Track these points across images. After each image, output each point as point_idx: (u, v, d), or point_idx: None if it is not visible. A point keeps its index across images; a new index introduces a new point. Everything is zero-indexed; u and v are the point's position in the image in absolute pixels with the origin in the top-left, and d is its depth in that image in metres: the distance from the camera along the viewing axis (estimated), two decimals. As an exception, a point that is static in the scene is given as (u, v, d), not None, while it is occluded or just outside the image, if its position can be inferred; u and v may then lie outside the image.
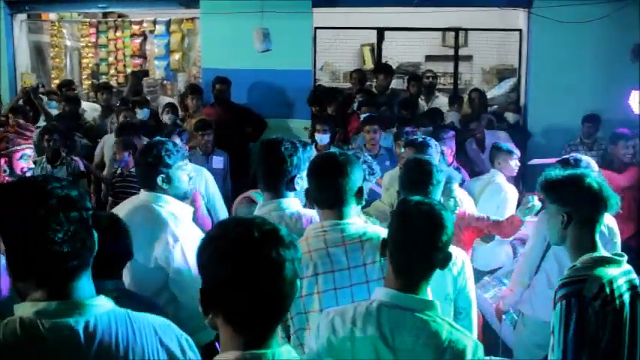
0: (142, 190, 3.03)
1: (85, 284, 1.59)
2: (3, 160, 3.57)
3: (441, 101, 7.76)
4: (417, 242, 1.97)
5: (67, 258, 1.54)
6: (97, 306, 1.57)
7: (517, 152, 5.04)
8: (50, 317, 1.52)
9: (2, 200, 1.58)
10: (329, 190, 2.36)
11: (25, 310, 1.54)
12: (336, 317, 2.00)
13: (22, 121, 4.16)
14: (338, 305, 2.20)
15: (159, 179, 2.92)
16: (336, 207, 2.36)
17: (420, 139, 4.33)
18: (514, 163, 4.97)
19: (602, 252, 2.34)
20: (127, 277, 2.78)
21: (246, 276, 1.41)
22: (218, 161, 6.01)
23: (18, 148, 3.62)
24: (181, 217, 2.92)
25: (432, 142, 4.34)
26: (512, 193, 4.89)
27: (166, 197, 2.94)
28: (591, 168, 3.87)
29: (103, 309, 1.58)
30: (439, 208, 2.04)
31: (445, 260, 2.02)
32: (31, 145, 3.79)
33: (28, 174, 3.58)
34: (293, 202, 2.75)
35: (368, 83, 7.90)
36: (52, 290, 1.55)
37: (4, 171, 3.48)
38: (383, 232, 2.32)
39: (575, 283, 2.23)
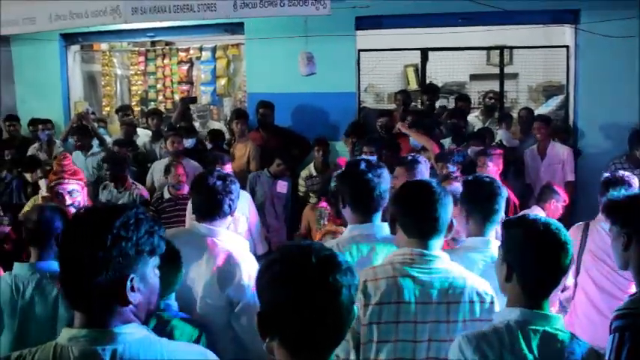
0: (194, 222, 2.92)
1: (120, 312, 1.59)
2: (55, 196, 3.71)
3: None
4: (546, 262, 2.04)
5: (100, 294, 1.56)
6: (127, 334, 1.58)
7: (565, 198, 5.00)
8: (80, 344, 1.55)
9: (70, 221, 1.67)
10: (425, 221, 2.32)
11: (62, 335, 1.59)
12: (481, 342, 2.01)
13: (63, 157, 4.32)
14: (416, 342, 2.21)
15: (225, 209, 2.87)
16: (425, 238, 2.33)
17: (410, 158, 4.30)
18: (561, 207, 4.90)
19: None
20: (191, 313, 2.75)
21: (302, 300, 1.42)
22: (282, 185, 6.23)
23: (63, 183, 3.75)
24: (245, 251, 2.85)
25: (422, 158, 4.31)
26: None
27: (222, 230, 2.87)
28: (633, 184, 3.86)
29: (134, 337, 1.59)
30: (563, 230, 2.10)
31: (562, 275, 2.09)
32: (77, 181, 3.89)
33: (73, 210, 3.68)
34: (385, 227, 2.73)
35: (413, 104, 7.88)
36: (87, 316, 1.58)
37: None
38: (469, 275, 2.31)
39: (633, 317, 2.16)
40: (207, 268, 2.73)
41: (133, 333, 1.59)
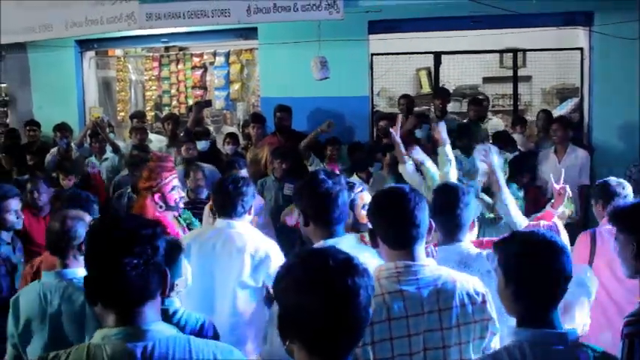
0: (218, 219, 3.41)
1: (149, 310, 1.66)
2: (157, 196, 3.79)
3: (495, 123, 7.67)
4: (543, 273, 1.92)
5: (134, 289, 1.63)
6: (156, 331, 1.64)
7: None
8: (112, 342, 1.61)
9: (92, 230, 1.73)
10: (406, 231, 2.23)
11: (95, 336, 1.65)
12: None
13: (159, 153, 4.44)
14: (412, 354, 2.15)
15: (239, 208, 3.32)
16: (408, 247, 2.24)
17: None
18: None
19: None
20: (231, 295, 3.21)
21: (322, 304, 1.44)
22: (290, 188, 6.07)
23: (166, 181, 3.86)
24: (265, 238, 3.38)
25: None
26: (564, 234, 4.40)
27: (240, 224, 3.34)
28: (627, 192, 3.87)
29: (163, 334, 1.65)
30: (550, 235, 2.01)
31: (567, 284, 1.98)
32: (176, 175, 3.98)
33: (181, 204, 3.91)
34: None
35: (425, 107, 7.88)
36: (119, 315, 1.64)
37: (160, 206, 3.75)
38: (458, 276, 2.26)
39: None
40: (237, 254, 3.21)
41: (161, 330, 1.66)
